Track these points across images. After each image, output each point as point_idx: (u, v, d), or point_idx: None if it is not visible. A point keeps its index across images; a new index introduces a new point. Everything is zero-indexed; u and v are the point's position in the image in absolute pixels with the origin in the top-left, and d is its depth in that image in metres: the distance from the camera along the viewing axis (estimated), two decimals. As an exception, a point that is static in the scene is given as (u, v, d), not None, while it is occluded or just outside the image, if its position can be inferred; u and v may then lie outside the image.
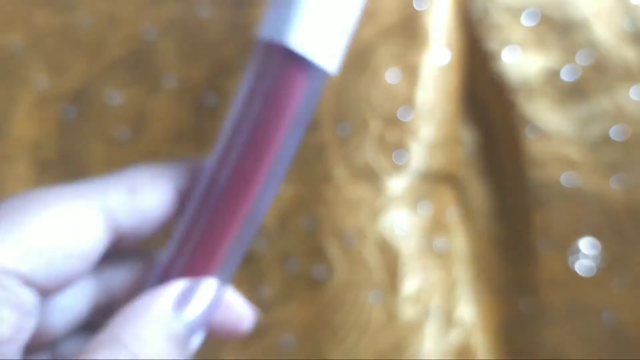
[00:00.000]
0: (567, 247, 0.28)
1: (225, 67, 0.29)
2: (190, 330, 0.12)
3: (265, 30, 0.14)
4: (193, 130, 0.28)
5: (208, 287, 0.13)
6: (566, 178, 0.28)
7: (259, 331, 0.27)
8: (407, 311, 0.28)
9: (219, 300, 0.14)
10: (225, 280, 0.15)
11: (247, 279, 0.27)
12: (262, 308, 0.27)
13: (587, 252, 0.28)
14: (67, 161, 0.27)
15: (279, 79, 0.14)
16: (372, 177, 0.27)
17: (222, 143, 0.15)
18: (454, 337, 0.28)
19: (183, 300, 0.13)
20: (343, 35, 0.15)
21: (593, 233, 0.28)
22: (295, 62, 0.14)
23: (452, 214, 0.28)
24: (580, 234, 0.28)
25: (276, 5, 0.14)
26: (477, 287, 0.30)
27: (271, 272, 0.27)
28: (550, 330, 0.29)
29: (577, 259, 0.29)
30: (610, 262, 0.28)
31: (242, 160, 0.14)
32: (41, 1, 0.29)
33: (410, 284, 0.27)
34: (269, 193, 0.15)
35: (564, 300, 0.29)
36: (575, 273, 0.29)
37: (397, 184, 0.27)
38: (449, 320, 0.28)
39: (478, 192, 0.29)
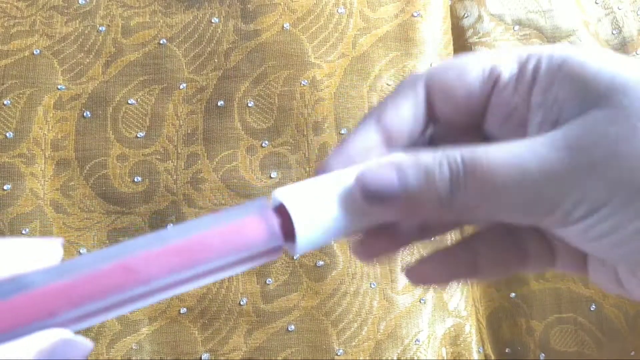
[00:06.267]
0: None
1: (231, 72, 0.30)
2: None
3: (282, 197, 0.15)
4: (202, 131, 0.29)
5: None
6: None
7: (264, 320, 0.28)
8: (405, 301, 0.29)
9: None
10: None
11: (253, 270, 0.29)
12: (267, 298, 0.28)
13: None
14: (83, 160, 0.29)
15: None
16: (371, 175, 0.29)
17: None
18: (449, 325, 0.30)
19: None
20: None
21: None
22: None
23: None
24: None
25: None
26: (470, 279, 0.31)
27: (276, 264, 0.29)
28: (539, 320, 0.30)
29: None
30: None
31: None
32: (60, 8, 0.30)
33: (408, 275, 0.28)
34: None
35: (552, 291, 0.30)
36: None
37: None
38: (444, 309, 0.30)
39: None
